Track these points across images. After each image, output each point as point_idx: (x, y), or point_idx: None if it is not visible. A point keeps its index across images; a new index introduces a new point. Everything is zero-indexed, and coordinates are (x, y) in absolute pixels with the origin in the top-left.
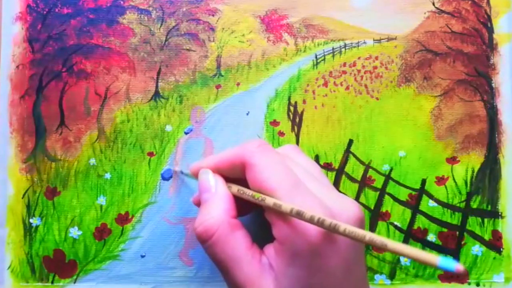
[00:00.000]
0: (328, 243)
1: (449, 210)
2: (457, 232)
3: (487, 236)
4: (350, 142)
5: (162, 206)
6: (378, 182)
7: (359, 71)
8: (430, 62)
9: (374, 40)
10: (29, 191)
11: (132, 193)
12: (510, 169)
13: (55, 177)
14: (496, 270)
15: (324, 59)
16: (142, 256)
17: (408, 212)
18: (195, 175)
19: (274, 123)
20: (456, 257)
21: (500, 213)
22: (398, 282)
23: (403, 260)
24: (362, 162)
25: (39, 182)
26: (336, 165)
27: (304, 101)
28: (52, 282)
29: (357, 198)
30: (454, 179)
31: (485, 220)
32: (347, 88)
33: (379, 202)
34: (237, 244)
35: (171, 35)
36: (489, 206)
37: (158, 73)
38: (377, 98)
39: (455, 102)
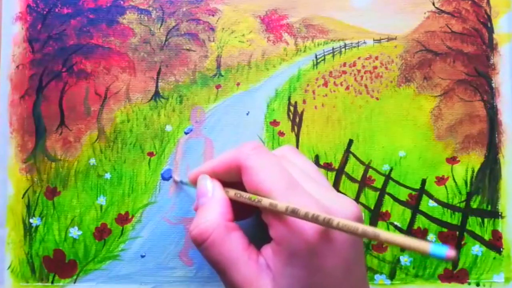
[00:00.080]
0: (325, 242)
1: (449, 210)
2: (457, 232)
3: (487, 236)
4: (350, 142)
5: (162, 206)
6: (378, 182)
7: (359, 71)
8: (430, 62)
9: (374, 40)
10: (29, 191)
11: (132, 193)
12: (510, 169)
13: (55, 177)
14: (496, 270)
15: (324, 59)
16: (142, 256)
17: (408, 212)
18: (194, 183)
19: (274, 123)
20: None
21: (500, 213)
22: (398, 282)
23: (403, 260)
24: (362, 162)
25: (39, 182)
26: (336, 165)
27: (304, 101)
28: (52, 282)
29: (357, 198)
30: (454, 179)
31: (485, 220)
32: (347, 88)
33: (379, 202)
34: (233, 245)
35: (171, 35)
36: (489, 206)
37: (158, 73)
38: (377, 98)
39: (455, 102)
